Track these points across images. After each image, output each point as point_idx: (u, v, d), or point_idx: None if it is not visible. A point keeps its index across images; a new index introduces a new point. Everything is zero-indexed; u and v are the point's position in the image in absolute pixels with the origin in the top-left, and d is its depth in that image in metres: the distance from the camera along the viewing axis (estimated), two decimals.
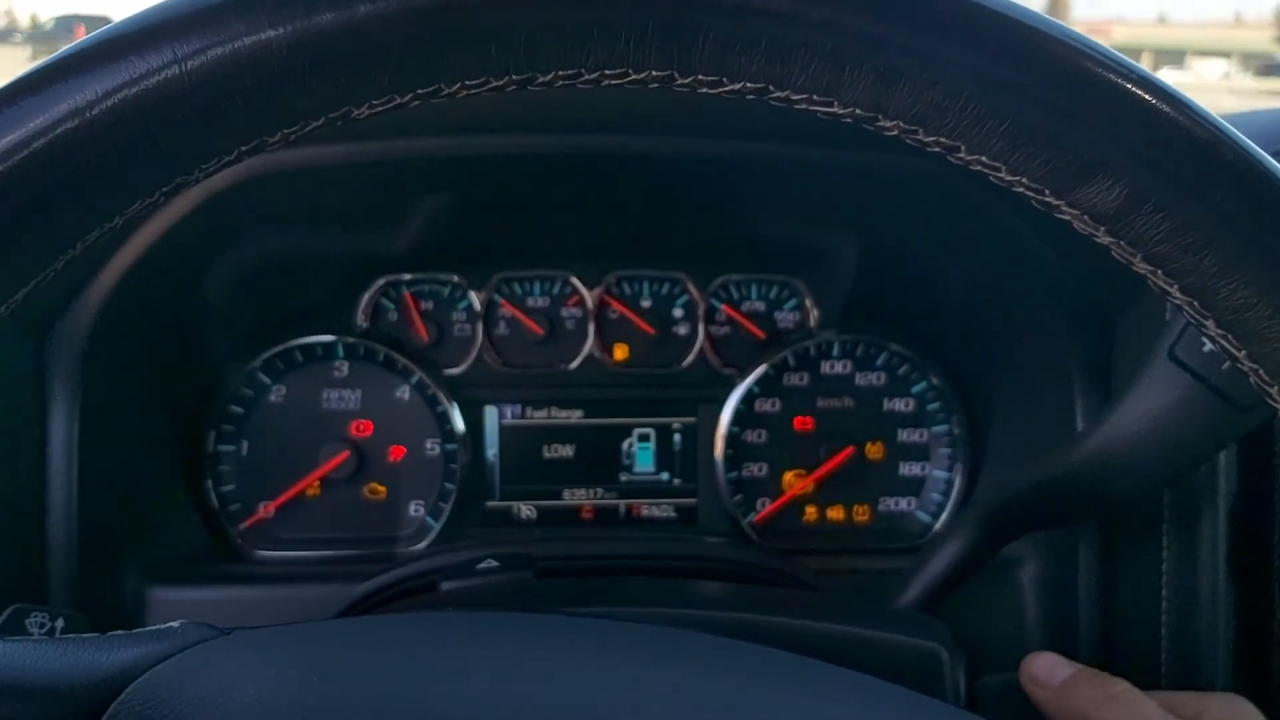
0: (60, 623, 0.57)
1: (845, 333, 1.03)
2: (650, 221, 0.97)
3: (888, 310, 1.02)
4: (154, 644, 0.43)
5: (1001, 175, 0.38)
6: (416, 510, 1.01)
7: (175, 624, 0.46)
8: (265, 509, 0.99)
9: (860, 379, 1.04)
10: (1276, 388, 0.38)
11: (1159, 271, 0.37)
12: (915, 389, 1.03)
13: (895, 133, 0.37)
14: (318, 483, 1.00)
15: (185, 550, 0.94)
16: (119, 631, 0.44)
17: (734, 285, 1.04)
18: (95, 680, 0.40)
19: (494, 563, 0.71)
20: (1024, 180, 0.37)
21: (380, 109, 0.38)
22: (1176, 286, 0.37)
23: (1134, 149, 0.35)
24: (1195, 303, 0.37)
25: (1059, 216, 0.38)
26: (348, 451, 0.99)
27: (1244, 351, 0.37)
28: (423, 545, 1.00)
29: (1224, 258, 0.36)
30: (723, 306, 1.04)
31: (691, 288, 1.04)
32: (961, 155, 0.38)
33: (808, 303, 1.04)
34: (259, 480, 0.99)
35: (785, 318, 1.05)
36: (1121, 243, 0.37)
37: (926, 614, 0.73)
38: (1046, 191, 0.37)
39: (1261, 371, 0.38)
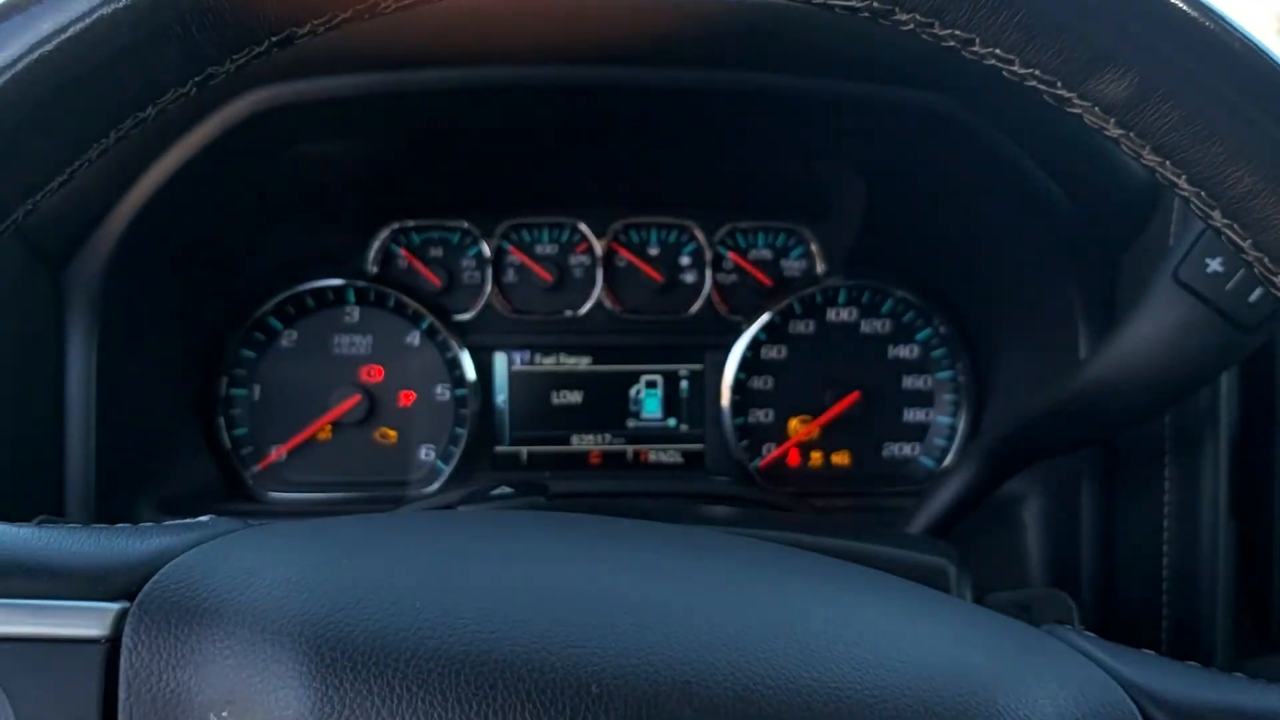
0: None
1: (851, 280, 1.04)
2: (657, 163, 0.98)
3: (894, 257, 1.03)
4: (186, 533, 0.44)
5: (1015, 68, 0.39)
6: (427, 454, 1.03)
7: (204, 518, 0.47)
8: (277, 452, 1.01)
9: (865, 326, 1.05)
10: None
11: (1167, 163, 0.38)
12: (920, 336, 1.04)
13: (911, 26, 0.38)
14: (329, 426, 1.01)
15: (199, 490, 0.96)
16: (150, 523, 0.45)
17: (741, 233, 1.05)
18: (130, 563, 0.41)
19: (509, 489, 0.73)
20: (1037, 73, 0.38)
21: (408, 3, 0.39)
22: (1184, 177, 0.38)
23: (1143, 39, 0.36)
24: (1202, 193, 0.38)
25: (1070, 110, 0.39)
26: (359, 395, 1.00)
27: (1249, 240, 0.38)
28: (434, 488, 1.01)
29: (1230, 147, 0.37)
30: (730, 254, 1.05)
31: (699, 235, 1.05)
32: (976, 49, 0.38)
33: (814, 250, 1.05)
34: (271, 424, 1.01)
35: (792, 265, 1.06)
36: (1131, 134, 0.38)
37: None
38: (1059, 84, 0.38)
39: (1266, 260, 0.39)
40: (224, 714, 0.37)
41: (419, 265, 1.03)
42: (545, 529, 0.47)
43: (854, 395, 1.03)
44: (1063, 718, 0.39)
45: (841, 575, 0.45)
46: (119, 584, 0.41)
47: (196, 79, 0.38)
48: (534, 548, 0.45)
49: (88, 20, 0.35)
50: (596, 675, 0.37)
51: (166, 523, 0.46)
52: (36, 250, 0.80)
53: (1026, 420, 0.76)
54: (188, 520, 0.46)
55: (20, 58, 0.36)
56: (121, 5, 0.35)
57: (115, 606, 0.40)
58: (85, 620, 0.39)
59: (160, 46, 0.36)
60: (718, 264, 1.05)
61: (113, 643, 0.39)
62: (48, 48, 0.36)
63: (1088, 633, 0.45)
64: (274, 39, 0.38)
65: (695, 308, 1.05)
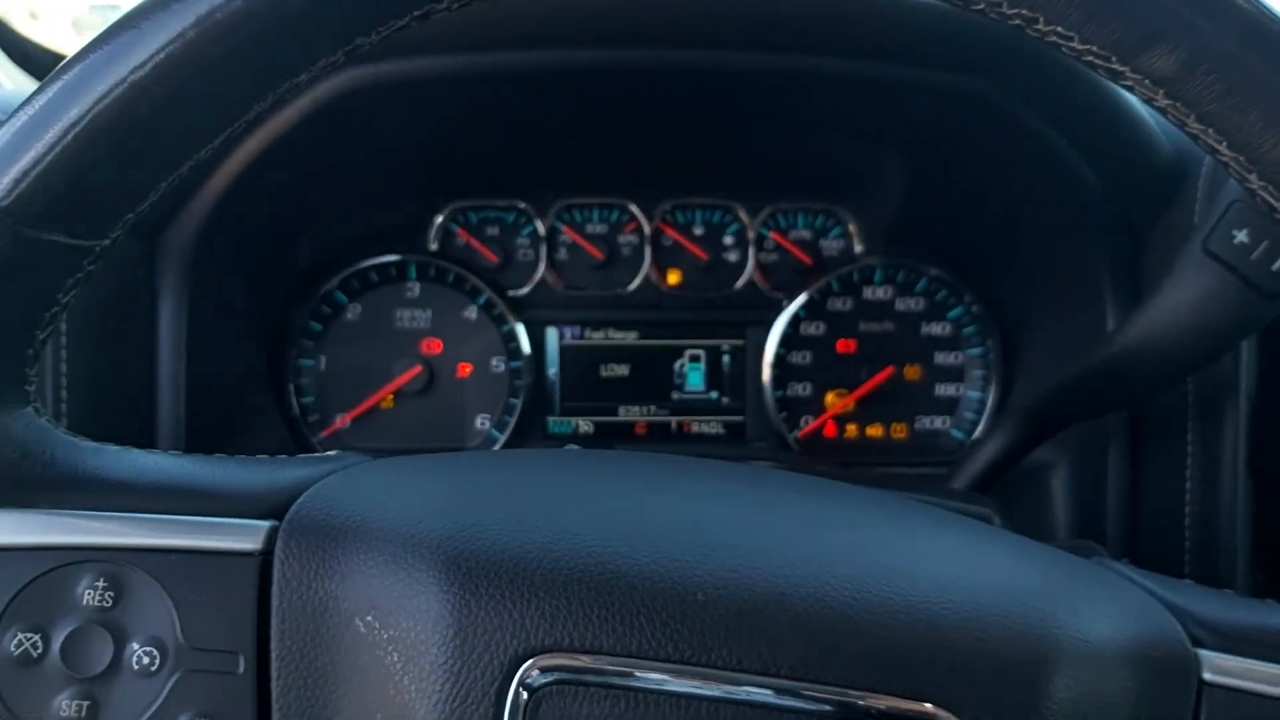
0: None
1: (887, 259, 1.09)
2: (704, 148, 1.03)
3: (928, 237, 1.08)
4: (321, 464, 0.49)
5: (1074, 44, 0.43)
6: (483, 423, 1.08)
7: (332, 452, 0.52)
8: (342, 419, 1.07)
9: (900, 304, 1.10)
10: None
11: (1209, 130, 0.43)
12: (952, 314, 1.09)
13: (982, 6, 0.43)
14: (391, 396, 1.07)
15: (271, 454, 1.00)
16: (285, 455, 0.51)
17: (782, 214, 1.11)
18: (276, 488, 0.46)
19: (576, 447, 0.78)
20: (1094, 49, 0.43)
21: None
22: (1225, 143, 0.43)
23: (1189, 20, 0.41)
24: (1241, 158, 0.43)
25: (1122, 84, 0.44)
26: (420, 367, 1.06)
27: None
28: None
29: (1266, 117, 0.42)
30: (771, 234, 1.10)
31: (743, 216, 1.10)
32: (1039, 26, 0.43)
33: (851, 230, 1.10)
34: (336, 392, 1.07)
35: (830, 245, 1.11)
36: (1178, 104, 0.43)
37: None
38: (1114, 59, 0.43)
39: None
40: (368, 618, 0.42)
41: (476, 244, 1.09)
42: (644, 462, 0.52)
43: (888, 370, 1.09)
44: (1116, 634, 0.43)
45: (910, 508, 0.50)
46: (267, 505, 0.46)
47: (346, 48, 0.43)
48: (637, 478, 0.49)
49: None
50: (700, 585, 0.41)
51: (299, 456, 0.51)
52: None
53: (1059, 386, 0.81)
54: (317, 455, 0.51)
55: (199, 20, 0.40)
56: None
57: (266, 524, 0.45)
58: (240, 535, 0.44)
59: (321, 15, 0.41)
60: (760, 244, 1.10)
61: (265, 555, 0.44)
62: (219, 16, 0.40)
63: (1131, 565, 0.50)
64: (415, 13, 0.43)
65: (738, 285, 1.10)
